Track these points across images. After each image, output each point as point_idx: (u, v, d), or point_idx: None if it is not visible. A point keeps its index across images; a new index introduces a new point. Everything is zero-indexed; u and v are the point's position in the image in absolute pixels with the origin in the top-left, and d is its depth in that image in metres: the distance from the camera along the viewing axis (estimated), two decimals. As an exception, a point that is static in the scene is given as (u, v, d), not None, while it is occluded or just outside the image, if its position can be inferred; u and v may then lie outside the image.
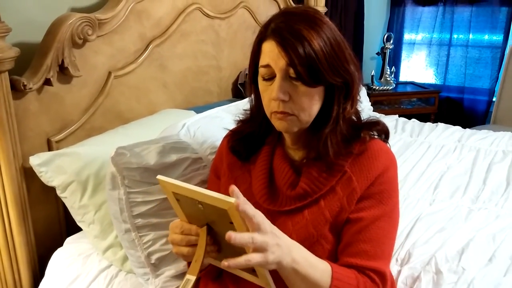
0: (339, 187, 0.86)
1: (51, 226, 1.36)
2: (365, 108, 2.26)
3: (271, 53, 0.80)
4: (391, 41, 3.06)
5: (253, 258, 0.67)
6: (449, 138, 2.00)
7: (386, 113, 2.45)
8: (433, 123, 2.24)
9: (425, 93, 3.07)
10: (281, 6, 2.20)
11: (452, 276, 1.08)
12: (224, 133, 1.04)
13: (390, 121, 2.26)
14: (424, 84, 3.18)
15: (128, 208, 1.08)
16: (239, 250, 0.71)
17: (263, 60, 0.82)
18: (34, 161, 1.22)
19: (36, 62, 1.25)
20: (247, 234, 0.67)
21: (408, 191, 1.53)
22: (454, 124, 2.21)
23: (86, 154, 1.24)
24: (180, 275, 1.11)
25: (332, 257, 0.87)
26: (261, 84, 0.85)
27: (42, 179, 1.23)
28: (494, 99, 2.92)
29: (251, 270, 0.73)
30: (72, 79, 1.36)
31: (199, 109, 1.59)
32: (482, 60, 3.01)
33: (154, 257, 1.11)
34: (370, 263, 0.83)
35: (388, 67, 3.07)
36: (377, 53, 3.15)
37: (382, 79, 3.07)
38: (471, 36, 3.00)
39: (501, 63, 2.88)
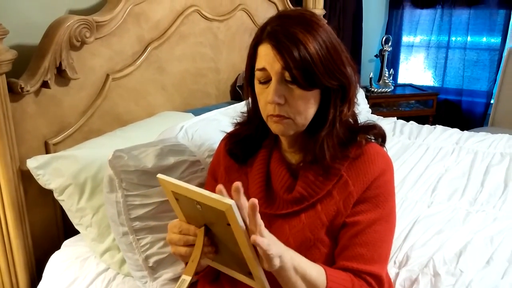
0: (335, 191, 0.86)
1: (49, 229, 1.36)
2: (363, 111, 2.26)
3: (266, 56, 0.80)
4: (390, 44, 3.06)
5: (260, 240, 0.67)
6: (447, 141, 2.00)
7: (385, 115, 2.45)
8: (431, 125, 2.24)
9: (424, 96, 3.07)
10: (280, 8, 2.21)
11: (450, 279, 1.08)
12: (222, 135, 1.04)
13: (389, 123, 2.26)
14: (422, 86, 3.18)
15: (126, 211, 1.08)
16: (237, 252, 0.71)
17: (259, 64, 0.82)
18: (32, 164, 1.21)
19: (34, 65, 1.25)
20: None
21: (406, 194, 1.53)
22: (452, 126, 2.21)
23: (84, 157, 1.24)
24: (178, 278, 1.10)
25: (329, 261, 0.87)
26: (257, 87, 0.85)
27: (40, 182, 1.23)
28: (492, 101, 2.92)
29: (248, 272, 0.73)
30: (70, 81, 1.35)
31: (197, 112, 1.59)
32: (480, 62, 3.01)
33: (151, 260, 1.10)
34: (366, 267, 0.83)
35: (386, 70, 3.08)
36: (376, 56, 3.15)
37: (381, 82, 3.07)
38: (469, 38, 3.01)
39: (499, 65, 2.89)
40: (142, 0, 1.54)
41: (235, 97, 2.03)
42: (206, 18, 1.81)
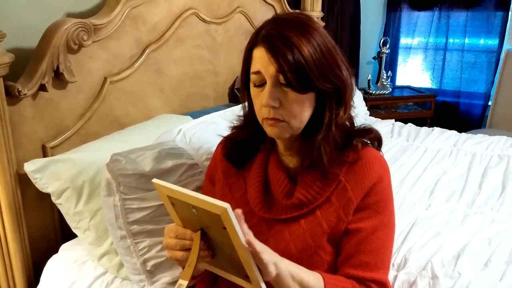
0: (334, 196, 0.87)
1: (46, 232, 1.36)
2: (361, 113, 2.26)
3: (261, 59, 0.80)
4: (388, 46, 3.06)
5: (252, 237, 0.69)
6: (445, 143, 2.00)
7: (383, 118, 2.46)
8: (429, 127, 2.24)
9: (421, 97, 3.08)
10: (278, 11, 2.21)
11: (448, 281, 1.08)
12: (219, 139, 1.04)
13: (387, 125, 2.26)
14: (420, 88, 3.19)
15: (124, 215, 1.08)
16: (234, 256, 0.71)
17: (254, 67, 0.83)
18: (29, 167, 1.21)
19: (31, 68, 1.25)
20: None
21: (404, 196, 1.53)
22: (450, 128, 2.22)
23: (81, 160, 1.24)
24: (176, 282, 1.10)
25: (332, 268, 0.87)
26: (253, 90, 0.85)
27: (37, 185, 1.23)
28: (489, 103, 2.93)
29: (245, 276, 0.73)
30: (67, 84, 1.35)
31: (195, 114, 1.59)
32: (477, 64, 3.02)
33: (149, 264, 1.10)
34: (371, 274, 0.84)
35: (384, 72, 3.08)
36: (374, 58, 3.16)
37: (379, 84, 3.08)
38: (466, 40, 3.01)
39: (497, 67, 2.90)
40: (140, 3, 1.54)
41: (233, 99, 2.03)
42: (204, 20, 1.81)
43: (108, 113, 1.49)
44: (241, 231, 0.68)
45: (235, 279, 0.76)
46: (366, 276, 0.84)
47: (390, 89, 3.07)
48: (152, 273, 1.11)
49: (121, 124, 1.53)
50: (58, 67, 1.28)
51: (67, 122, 1.38)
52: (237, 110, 1.16)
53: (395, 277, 1.12)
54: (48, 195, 1.24)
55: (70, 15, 1.44)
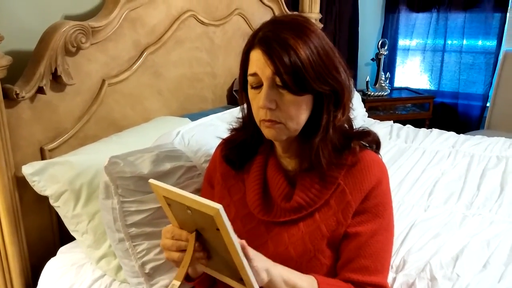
0: (333, 200, 0.86)
1: (44, 235, 1.35)
2: (360, 114, 2.27)
3: (258, 61, 0.80)
4: (386, 47, 3.07)
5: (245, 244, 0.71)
6: (443, 144, 2.01)
7: (381, 119, 2.46)
8: (427, 128, 2.25)
9: (420, 99, 3.08)
10: (276, 13, 2.21)
11: (447, 283, 1.08)
12: (218, 141, 1.04)
13: (385, 127, 2.27)
14: (418, 89, 3.19)
15: (122, 218, 1.07)
16: (228, 259, 0.70)
17: (250, 69, 0.83)
18: (27, 170, 1.21)
19: (29, 71, 1.25)
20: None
21: (403, 197, 1.53)
22: (449, 129, 2.22)
23: (80, 163, 1.23)
24: (174, 284, 1.10)
25: (331, 272, 0.87)
26: (250, 92, 0.85)
27: (35, 188, 1.22)
28: (488, 104, 2.93)
29: (239, 279, 0.73)
30: (65, 87, 1.35)
31: (194, 116, 1.59)
32: (476, 65, 3.03)
33: (148, 267, 1.10)
34: (371, 278, 0.84)
35: (383, 73, 3.09)
36: (372, 59, 3.16)
37: (377, 85, 3.08)
38: (465, 42, 3.02)
39: (495, 68, 2.90)
40: (138, 5, 1.54)
41: (232, 101, 2.03)
42: (202, 23, 1.81)
43: (106, 116, 1.49)
44: (235, 234, 0.68)
45: (230, 282, 0.76)
46: (366, 280, 0.84)
47: (389, 91, 3.08)
48: (150, 276, 1.10)
49: (119, 127, 1.52)
50: (56, 69, 1.28)
51: (65, 124, 1.38)
52: (236, 112, 1.16)
53: (394, 279, 1.12)
54: (46, 198, 1.24)
55: (68, 18, 1.44)
